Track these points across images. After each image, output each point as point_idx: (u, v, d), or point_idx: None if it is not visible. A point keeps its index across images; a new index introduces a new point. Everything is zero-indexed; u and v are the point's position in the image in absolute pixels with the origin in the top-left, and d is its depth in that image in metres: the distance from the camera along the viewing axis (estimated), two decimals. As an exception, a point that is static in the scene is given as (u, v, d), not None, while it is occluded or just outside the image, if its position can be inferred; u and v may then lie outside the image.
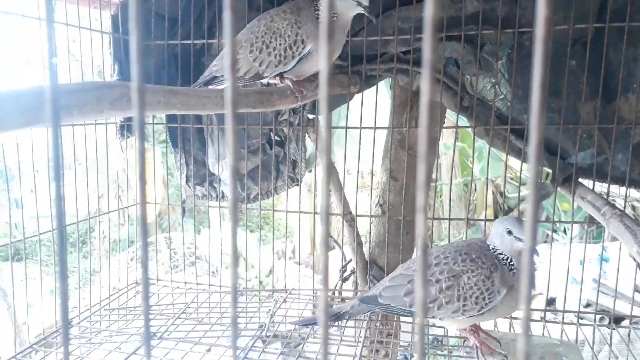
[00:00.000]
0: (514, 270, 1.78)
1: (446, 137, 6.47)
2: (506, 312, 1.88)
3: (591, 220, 2.26)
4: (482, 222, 6.40)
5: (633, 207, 6.72)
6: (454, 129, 2.53)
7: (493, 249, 1.81)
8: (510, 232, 1.76)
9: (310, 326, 2.11)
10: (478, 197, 7.93)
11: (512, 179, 7.25)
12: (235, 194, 0.41)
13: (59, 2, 2.26)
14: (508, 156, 2.44)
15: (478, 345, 1.90)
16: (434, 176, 2.62)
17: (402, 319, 2.28)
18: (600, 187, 2.49)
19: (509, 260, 1.78)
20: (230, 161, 0.36)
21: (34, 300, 2.19)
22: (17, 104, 1.04)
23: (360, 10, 1.92)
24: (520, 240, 1.73)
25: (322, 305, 0.42)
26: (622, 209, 2.01)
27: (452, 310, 1.79)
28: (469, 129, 2.45)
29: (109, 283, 2.67)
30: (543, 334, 2.26)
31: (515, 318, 2.35)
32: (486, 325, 2.07)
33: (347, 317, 1.94)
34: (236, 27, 2.44)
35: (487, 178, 3.47)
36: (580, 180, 2.32)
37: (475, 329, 1.95)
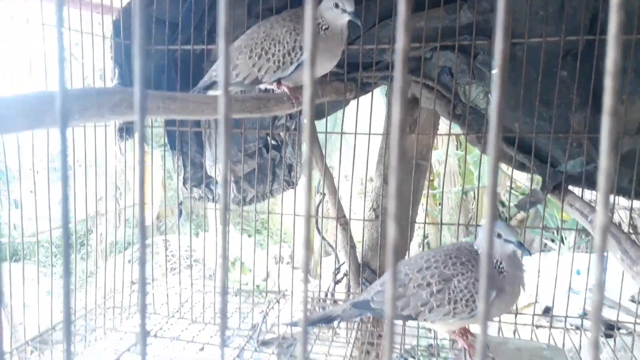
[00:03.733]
0: (504, 273, 1.81)
1: (448, 145, 6.48)
2: (496, 314, 1.92)
3: (584, 229, 2.30)
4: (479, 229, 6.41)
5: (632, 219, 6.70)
6: (455, 136, 2.58)
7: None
8: (499, 236, 1.80)
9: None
10: (477, 204, 7.95)
11: (512, 188, 7.25)
12: (227, 200, 0.45)
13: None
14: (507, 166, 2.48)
15: (466, 347, 1.94)
16: (436, 184, 2.66)
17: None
18: (590, 194, 2.54)
19: (498, 263, 1.82)
20: (222, 169, 0.40)
21: (31, 301, 2.21)
22: (22, 107, 1.08)
23: (347, 17, 1.97)
24: (510, 242, 1.77)
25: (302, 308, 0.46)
26: (611, 216, 2.06)
27: (443, 313, 1.83)
28: (466, 136, 2.50)
29: (104, 284, 2.69)
30: (531, 339, 2.30)
31: (504, 322, 2.39)
32: (475, 328, 2.11)
33: (339, 320, 1.98)
34: (235, 34, 2.49)
35: (479, 186, 3.51)
36: (570, 187, 2.37)
37: (465, 332, 1.99)
